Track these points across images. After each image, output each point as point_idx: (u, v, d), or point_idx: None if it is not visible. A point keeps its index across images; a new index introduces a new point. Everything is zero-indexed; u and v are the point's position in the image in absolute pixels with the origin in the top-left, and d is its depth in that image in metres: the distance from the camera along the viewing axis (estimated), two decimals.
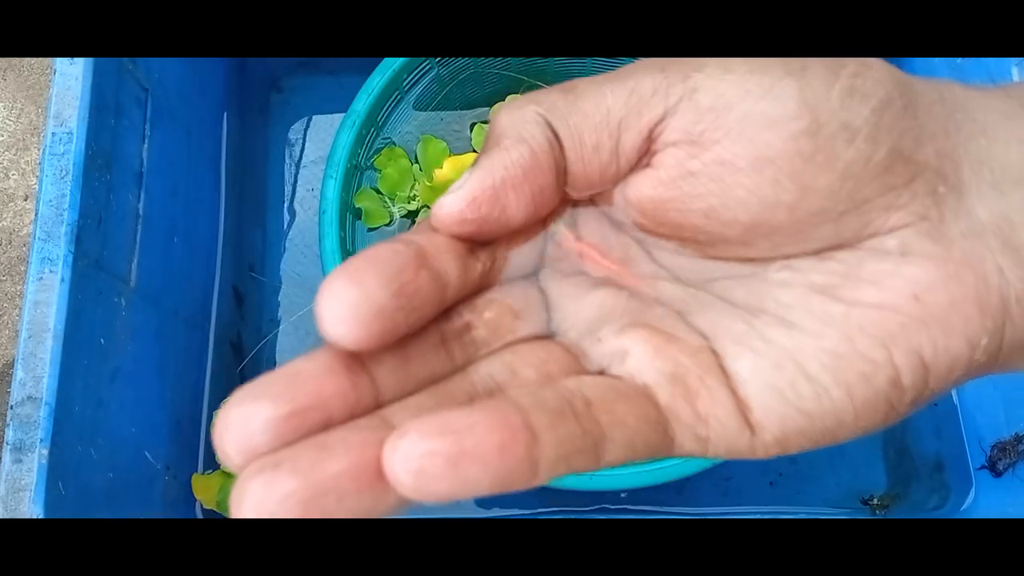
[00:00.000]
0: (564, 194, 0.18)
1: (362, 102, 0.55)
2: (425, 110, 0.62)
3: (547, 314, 0.18)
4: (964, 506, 0.58)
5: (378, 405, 0.15)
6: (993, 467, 0.56)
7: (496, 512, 0.58)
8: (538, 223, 0.18)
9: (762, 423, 0.16)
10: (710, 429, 0.16)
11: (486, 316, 0.17)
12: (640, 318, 0.18)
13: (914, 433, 0.60)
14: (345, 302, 0.14)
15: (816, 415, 0.16)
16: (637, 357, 0.17)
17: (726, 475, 0.59)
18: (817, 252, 0.17)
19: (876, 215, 0.16)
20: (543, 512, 0.57)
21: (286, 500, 0.13)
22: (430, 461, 0.13)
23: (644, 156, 0.17)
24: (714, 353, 0.17)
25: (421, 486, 0.13)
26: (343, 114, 0.55)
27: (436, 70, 0.58)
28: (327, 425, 0.14)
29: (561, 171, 0.17)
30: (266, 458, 0.14)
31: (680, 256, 0.18)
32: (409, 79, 0.57)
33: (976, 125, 0.16)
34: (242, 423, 0.14)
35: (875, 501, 0.58)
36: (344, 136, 0.55)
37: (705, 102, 0.16)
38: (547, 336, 0.18)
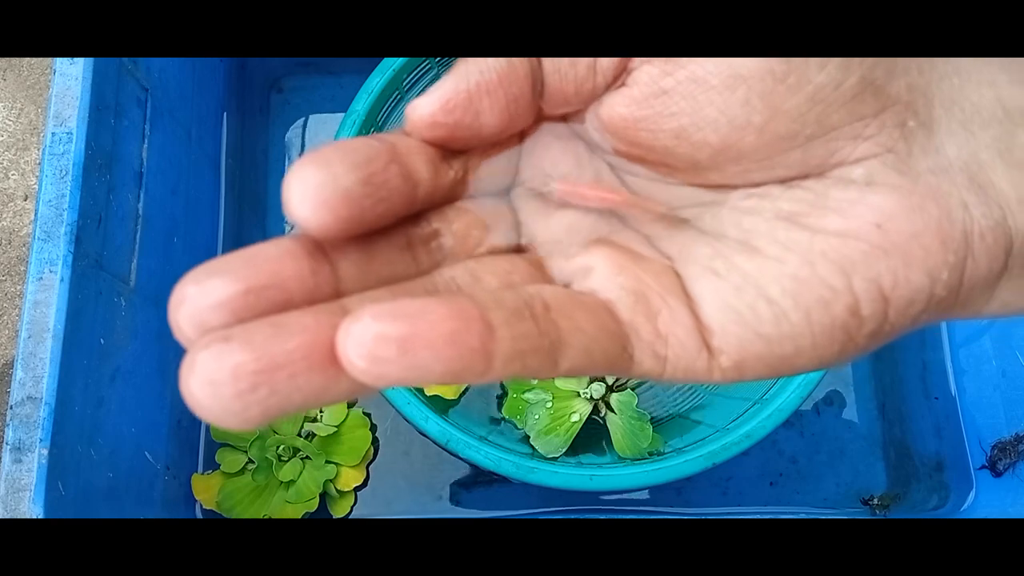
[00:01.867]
0: (539, 111, 0.18)
1: (362, 102, 0.55)
2: None
3: (516, 231, 0.18)
4: (964, 506, 0.58)
5: (338, 295, 0.15)
6: (993, 467, 0.56)
7: (496, 512, 0.58)
8: (512, 138, 0.18)
9: (720, 346, 0.16)
10: (669, 348, 0.16)
11: (455, 225, 0.17)
12: (607, 238, 0.18)
13: (914, 433, 0.60)
14: (312, 184, 0.14)
15: (775, 339, 0.16)
16: (601, 273, 0.17)
17: (726, 475, 0.59)
18: (784, 180, 0.17)
19: (843, 144, 0.16)
20: (543, 512, 0.57)
21: (235, 371, 0.13)
22: (382, 344, 0.13)
23: (620, 75, 0.17)
24: (677, 275, 0.17)
25: (372, 369, 0.13)
26: (343, 114, 0.55)
27: (436, 70, 0.58)
28: (284, 307, 0.14)
29: (538, 83, 0.17)
30: (218, 332, 0.14)
31: (650, 182, 0.18)
32: (409, 79, 0.57)
33: (950, 65, 0.16)
34: (197, 298, 0.14)
35: (875, 501, 0.58)
36: (344, 136, 0.55)
37: None
38: (514, 250, 0.18)
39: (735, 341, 0.16)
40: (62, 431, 0.41)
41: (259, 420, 0.13)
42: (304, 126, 0.67)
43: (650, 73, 0.16)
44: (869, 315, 0.16)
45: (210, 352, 0.13)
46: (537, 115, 0.18)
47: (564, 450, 0.54)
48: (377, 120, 0.57)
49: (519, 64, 0.16)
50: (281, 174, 0.66)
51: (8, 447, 0.39)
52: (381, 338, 0.13)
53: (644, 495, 0.58)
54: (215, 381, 0.13)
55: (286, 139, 0.66)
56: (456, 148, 0.17)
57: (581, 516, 0.56)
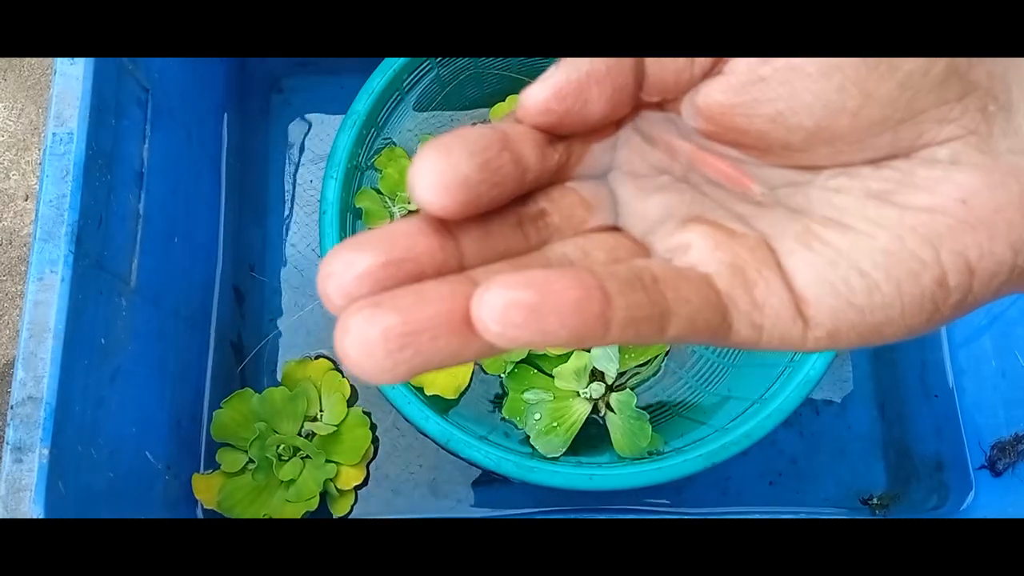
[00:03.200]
0: (638, 99, 0.19)
1: (362, 102, 0.55)
2: (425, 110, 0.62)
3: (614, 211, 0.20)
4: (964, 506, 0.58)
5: (462, 269, 0.17)
6: (993, 467, 0.57)
7: (496, 512, 0.58)
8: (611, 125, 0.20)
9: (815, 316, 0.18)
10: (765, 317, 0.17)
11: (560, 205, 0.19)
12: (702, 216, 0.19)
13: (914, 433, 0.60)
14: (434, 171, 0.16)
15: (867, 309, 0.17)
16: (699, 248, 0.18)
17: (726, 475, 0.59)
18: (873, 161, 0.18)
19: (930, 126, 0.17)
20: (543, 512, 0.57)
21: (386, 333, 0.15)
22: (514, 310, 0.14)
23: (717, 63, 0.18)
24: (771, 250, 0.18)
25: (504, 332, 0.14)
26: (343, 114, 0.55)
27: (436, 70, 0.58)
28: (418, 279, 0.16)
29: (640, 72, 0.18)
30: (367, 299, 0.15)
31: (741, 164, 0.19)
32: (409, 79, 0.57)
33: None
34: (344, 269, 0.16)
35: (875, 501, 0.58)
36: (344, 136, 0.55)
37: None
38: (613, 229, 0.20)
39: (829, 311, 0.17)
40: (62, 431, 0.41)
41: (405, 376, 0.15)
42: (304, 127, 0.67)
43: (748, 62, 0.17)
44: (955, 286, 0.17)
45: (363, 316, 0.15)
46: (635, 103, 0.19)
47: (564, 450, 0.54)
48: (377, 120, 0.57)
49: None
50: (281, 174, 0.66)
51: (8, 447, 0.39)
52: (513, 304, 0.14)
53: (644, 495, 0.58)
54: (368, 340, 0.15)
55: (287, 139, 0.66)
56: (562, 133, 0.19)
57: (581, 516, 0.57)
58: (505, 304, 0.14)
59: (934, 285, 0.17)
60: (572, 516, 0.57)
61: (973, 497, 0.58)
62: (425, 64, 0.57)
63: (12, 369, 0.41)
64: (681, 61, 0.18)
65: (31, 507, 0.39)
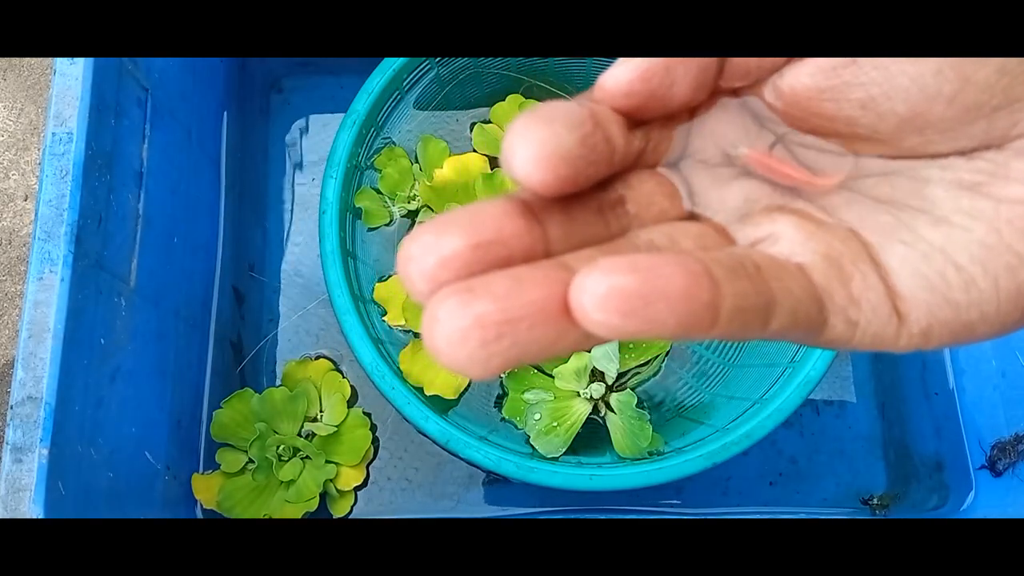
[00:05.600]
0: (716, 84, 0.18)
1: (362, 102, 0.55)
2: (425, 110, 0.62)
3: (691, 199, 0.19)
4: (964, 506, 0.58)
5: (548, 254, 0.16)
6: (993, 467, 0.56)
7: (496, 512, 0.58)
8: (687, 111, 0.18)
9: (910, 312, 0.17)
10: (861, 313, 0.16)
11: (639, 192, 0.18)
12: (787, 206, 0.18)
13: (914, 433, 0.60)
14: (536, 142, 0.15)
15: (963, 306, 0.16)
16: (790, 238, 0.17)
17: (726, 475, 0.59)
18: (963, 152, 0.17)
19: None
20: (543, 512, 0.57)
21: (481, 320, 0.13)
22: (618, 297, 0.13)
23: None
24: (863, 242, 0.17)
25: (608, 321, 0.13)
26: (343, 114, 0.55)
27: (436, 70, 0.58)
28: (507, 262, 0.15)
29: (723, 57, 0.17)
30: (459, 284, 0.14)
31: (822, 155, 0.18)
32: (409, 79, 0.57)
33: None
34: (428, 253, 0.14)
35: (875, 501, 0.58)
36: (344, 136, 0.55)
37: None
38: (690, 217, 0.18)
39: (925, 308, 0.16)
40: (62, 431, 0.41)
41: (499, 369, 0.14)
42: (304, 126, 0.67)
43: None
44: None
45: (455, 302, 0.14)
46: (714, 88, 0.18)
47: (564, 450, 0.54)
48: (377, 120, 0.57)
49: None
50: (281, 174, 0.66)
51: (8, 447, 0.39)
52: (617, 291, 0.13)
53: (644, 495, 0.58)
54: (462, 329, 0.13)
55: (286, 139, 0.66)
56: (641, 118, 0.17)
57: (581, 516, 0.56)
58: (608, 290, 0.13)
59: None
60: (572, 516, 0.57)
61: (973, 497, 0.58)
62: (425, 64, 0.57)
63: (12, 369, 0.41)
64: None
65: (31, 507, 0.39)
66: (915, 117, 0.16)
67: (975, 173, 0.17)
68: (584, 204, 0.17)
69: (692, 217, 0.18)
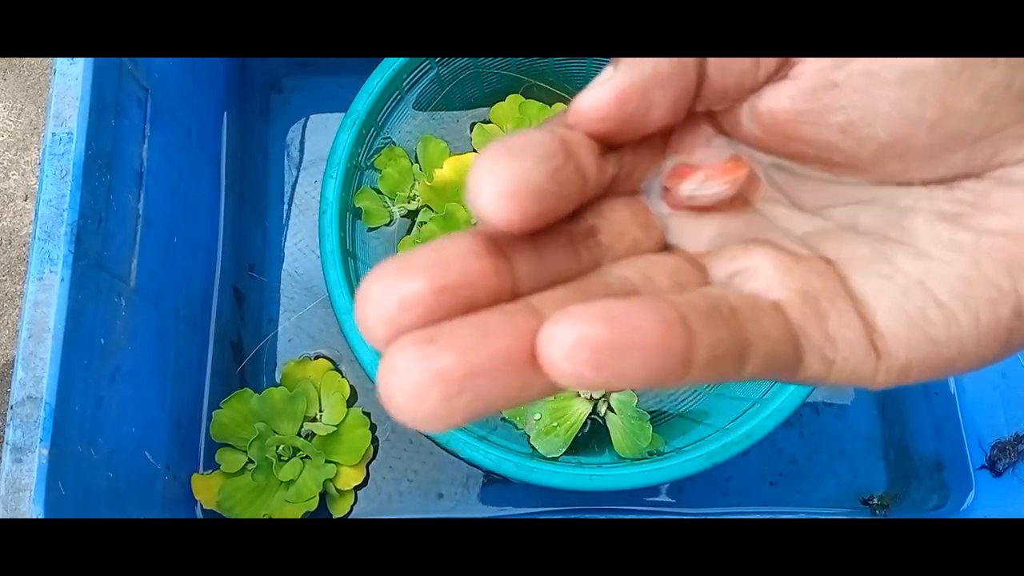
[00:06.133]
0: (693, 109, 0.17)
1: (362, 102, 0.55)
2: (425, 110, 0.62)
3: (667, 229, 0.18)
4: (964, 506, 0.58)
5: (516, 294, 0.15)
6: (993, 467, 0.56)
7: (496, 512, 0.58)
8: (660, 136, 0.18)
9: (889, 349, 0.16)
10: (838, 352, 0.16)
11: (611, 222, 0.17)
12: (763, 238, 0.17)
13: (914, 433, 0.60)
14: (503, 177, 0.14)
15: (943, 342, 0.16)
16: (766, 274, 0.16)
17: (726, 475, 0.59)
18: (944, 180, 0.17)
19: (1007, 144, 0.16)
20: (543, 512, 0.57)
21: (443, 375, 0.13)
22: (588, 348, 0.12)
23: (783, 67, 0.16)
24: (840, 276, 0.17)
25: (577, 373, 0.13)
26: (343, 114, 0.55)
27: (436, 70, 0.58)
28: (472, 306, 0.14)
29: (702, 76, 0.16)
30: (419, 332, 0.13)
31: (798, 181, 0.18)
32: (409, 79, 0.57)
33: None
34: (388, 296, 0.13)
35: (875, 501, 0.58)
36: (344, 136, 0.55)
37: None
38: (665, 249, 0.18)
39: (904, 344, 0.16)
40: (62, 431, 0.41)
41: (460, 423, 0.13)
42: (304, 126, 0.67)
43: (819, 65, 0.16)
44: None
45: (414, 353, 0.13)
46: (689, 111, 0.17)
47: (564, 450, 0.54)
48: (377, 120, 0.57)
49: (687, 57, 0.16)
50: (281, 174, 0.66)
51: (8, 447, 0.39)
52: (588, 343, 0.12)
53: (644, 495, 0.58)
54: (420, 384, 0.13)
55: (286, 139, 0.66)
56: (616, 143, 0.17)
57: (581, 516, 0.56)
58: (579, 340, 0.12)
59: (1011, 315, 0.16)
60: (572, 516, 0.57)
61: (973, 497, 0.58)
62: (425, 64, 0.57)
63: (12, 369, 0.41)
64: (747, 62, 0.16)
65: (31, 507, 0.39)
66: (895, 143, 0.16)
67: (956, 203, 0.16)
68: (554, 236, 0.16)
69: (667, 248, 0.18)
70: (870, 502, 0.58)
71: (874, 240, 0.17)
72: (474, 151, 0.62)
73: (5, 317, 0.71)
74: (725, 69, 0.16)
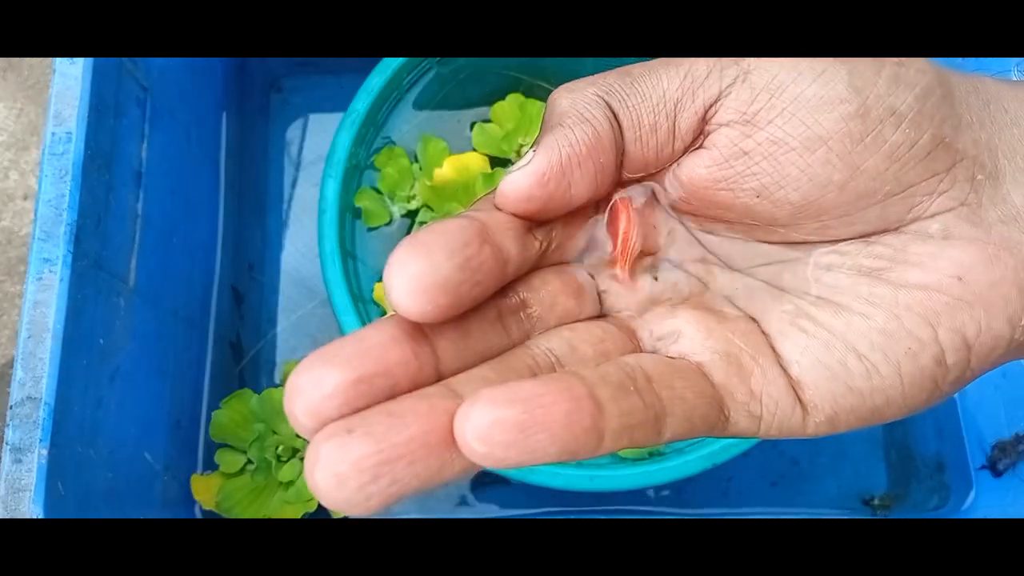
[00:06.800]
0: (620, 176, 0.18)
1: (362, 101, 0.55)
2: (425, 110, 0.62)
3: (598, 297, 0.19)
4: (964, 506, 0.58)
5: (439, 376, 0.16)
6: (993, 467, 0.56)
7: (496, 512, 0.58)
8: (590, 206, 0.19)
9: (814, 402, 0.17)
10: (763, 407, 0.17)
11: (541, 294, 0.18)
12: (690, 299, 0.18)
13: (915, 433, 0.60)
14: (414, 274, 0.15)
15: (867, 393, 0.17)
16: (690, 336, 0.17)
17: (726, 475, 0.59)
18: (862, 236, 0.17)
19: (919, 199, 0.17)
20: (543, 512, 0.57)
21: (358, 464, 0.13)
22: (500, 429, 0.13)
23: (698, 137, 0.17)
24: (764, 333, 0.17)
25: (491, 453, 0.13)
26: (343, 114, 0.55)
27: (436, 70, 0.58)
28: (392, 392, 0.15)
29: (620, 151, 0.17)
30: (338, 423, 0.14)
31: (726, 241, 0.19)
32: (409, 79, 0.57)
33: (1008, 116, 0.17)
34: (312, 388, 0.14)
35: (876, 501, 0.58)
36: (344, 135, 0.55)
37: (759, 83, 0.16)
38: (600, 316, 0.19)
39: (828, 396, 0.17)
40: (62, 431, 0.40)
41: (379, 508, 0.14)
42: (304, 126, 0.67)
43: (729, 135, 0.17)
44: (954, 363, 0.16)
45: (333, 445, 0.14)
46: (616, 181, 0.18)
47: None
48: (377, 119, 0.57)
49: (604, 135, 0.17)
50: (281, 174, 0.66)
51: (8, 447, 0.39)
52: (499, 423, 0.13)
53: (644, 495, 0.58)
54: (340, 474, 0.13)
55: (286, 139, 0.66)
56: (543, 219, 0.18)
57: (581, 516, 0.56)
58: (491, 423, 0.13)
59: (933, 364, 0.16)
60: (572, 516, 0.56)
61: (974, 497, 0.58)
62: (425, 63, 0.57)
63: (11, 369, 0.41)
64: (663, 136, 0.17)
65: (30, 507, 0.39)
66: (809, 204, 0.17)
67: (875, 259, 0.17)
68: (482, 314, 0.17)
69: (600, 315, 0.19)
70: (871, 502, 0.58)
71: (797, 297, 0.18)
72: (474, 151, 0.62)
73: (4, 317, 0.71)
74: (644, 142, 0.17)
